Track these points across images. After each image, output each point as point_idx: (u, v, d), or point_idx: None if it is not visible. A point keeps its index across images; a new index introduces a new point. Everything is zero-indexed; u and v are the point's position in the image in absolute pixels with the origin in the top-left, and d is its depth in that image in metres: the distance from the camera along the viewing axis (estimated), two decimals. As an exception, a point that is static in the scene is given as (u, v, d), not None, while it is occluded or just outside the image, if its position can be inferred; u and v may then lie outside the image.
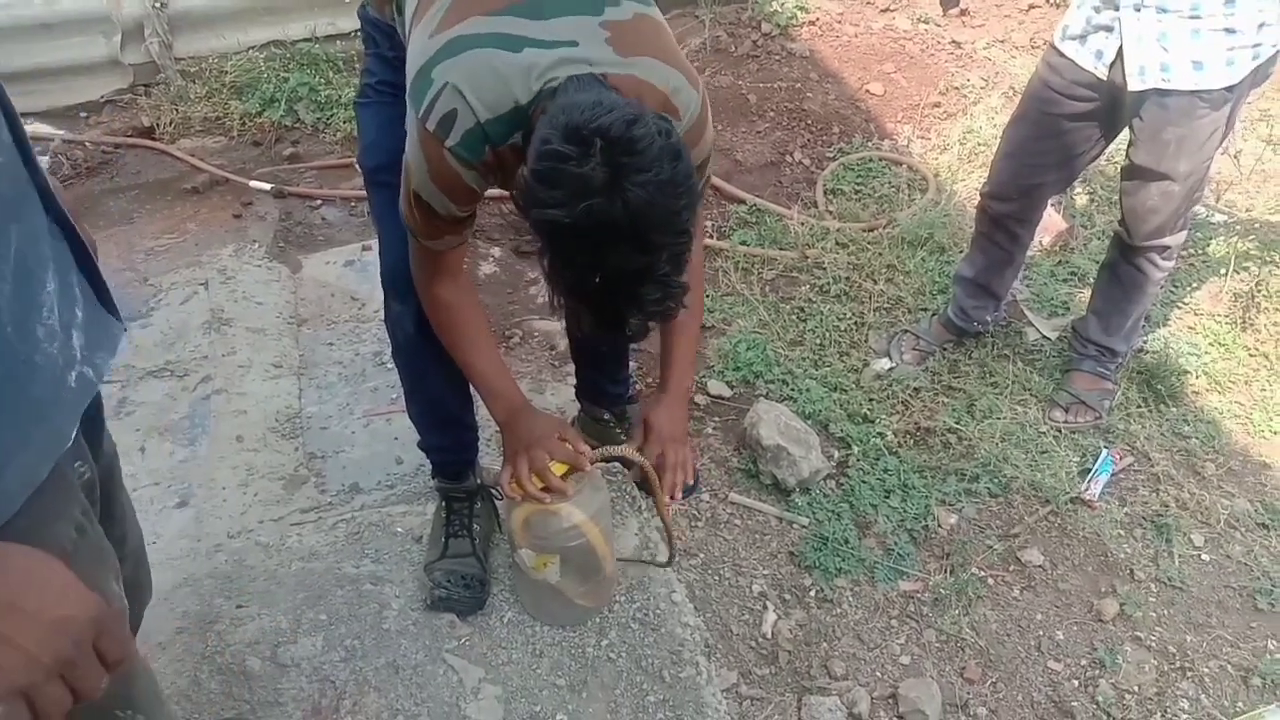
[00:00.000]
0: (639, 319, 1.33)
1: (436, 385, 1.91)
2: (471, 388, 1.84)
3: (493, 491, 2.15)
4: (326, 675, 1.90)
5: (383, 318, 1.95)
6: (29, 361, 0.88)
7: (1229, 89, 2.06)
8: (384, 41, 1.71)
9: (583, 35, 1.38)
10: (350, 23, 3.86)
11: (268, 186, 3.33)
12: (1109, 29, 2.10)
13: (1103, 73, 2.15)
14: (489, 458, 2.26)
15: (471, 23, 1.38)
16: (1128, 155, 2.25)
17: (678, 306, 1.33)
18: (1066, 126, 2.28)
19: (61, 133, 3.56)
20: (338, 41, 3.84)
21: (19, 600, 0.77)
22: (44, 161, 3.40)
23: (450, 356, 1.72)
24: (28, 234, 0.91)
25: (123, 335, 1.09)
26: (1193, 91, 2.06)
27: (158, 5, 3.58)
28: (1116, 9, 2.07)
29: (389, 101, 1.71)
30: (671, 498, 1.81)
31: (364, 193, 2.86)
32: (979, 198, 2.56)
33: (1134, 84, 2.09)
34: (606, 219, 1.19)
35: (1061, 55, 2.22)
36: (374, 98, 1.76)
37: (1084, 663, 2.07)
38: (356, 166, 2.06)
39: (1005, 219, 2.49)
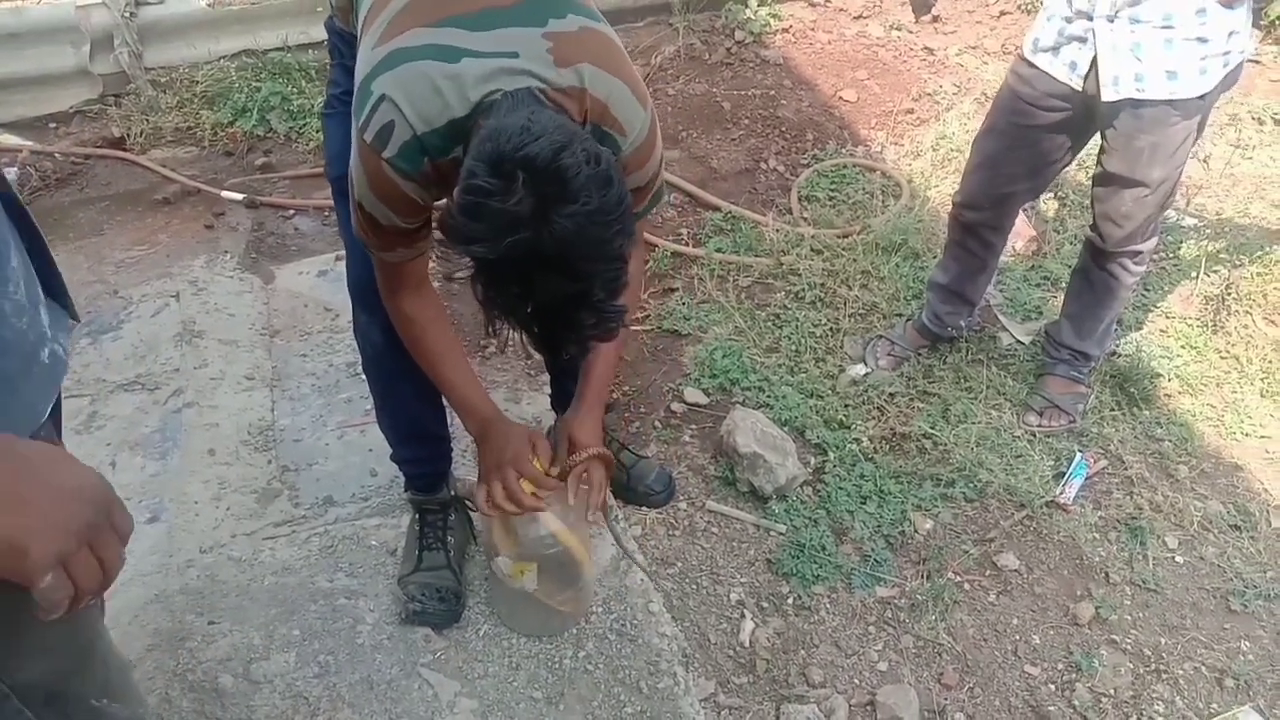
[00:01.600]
0: (575, 343, 1.32)
1: (407, 397, 1.90)
2: (444, 398, 1.83)
3: (467, 503, 2.13)
4: (300, 691, 1.88)
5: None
6: None
7: (1201, 97, 2.07)
8: (348, 52, 1.70)
9: (523, 46, 1.36)
10: (322, 31, 3.82)
11: (240, 197, 3.30)
12: (1082, 40, 2.11)
13: (1076, 83, 2.15)
14: (464, 468, 2.24)
15: (412, 34, 1.37)
16: (1100, 163, 2.27)
17: (616, 328, 1.31)
18: (1038, 137, 2.28)
19: (30, 144, 3.52)
20: (310, 50, 3.82)
21: (37, 471, 0.78)
22: (12, 173, 3.36)
23: (421, 368, 1.70)
24: None
25: (69, 324, 1.07)
26: (1167, 101, 2.07)
27: (127, 15, 3.54)
28: (1090, 20, 2.07)
29: None
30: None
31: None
32: (951, 206, 2.57)
33: (1108, 94, 2.09)
34: (534, 251, 1.17)
35: (1033, 66, 2.21)
36: (339, 108, 1.76)
37: (1060, 666, 2.08)
38: (326, 175, 2.07)
39: (978, 227, 2.50)
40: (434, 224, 1.54)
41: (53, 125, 3.66)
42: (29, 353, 0.92)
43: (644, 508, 2.32)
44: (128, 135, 3.57)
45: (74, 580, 0.79)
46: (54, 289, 1.05)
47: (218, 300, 2.88)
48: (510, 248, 1.17)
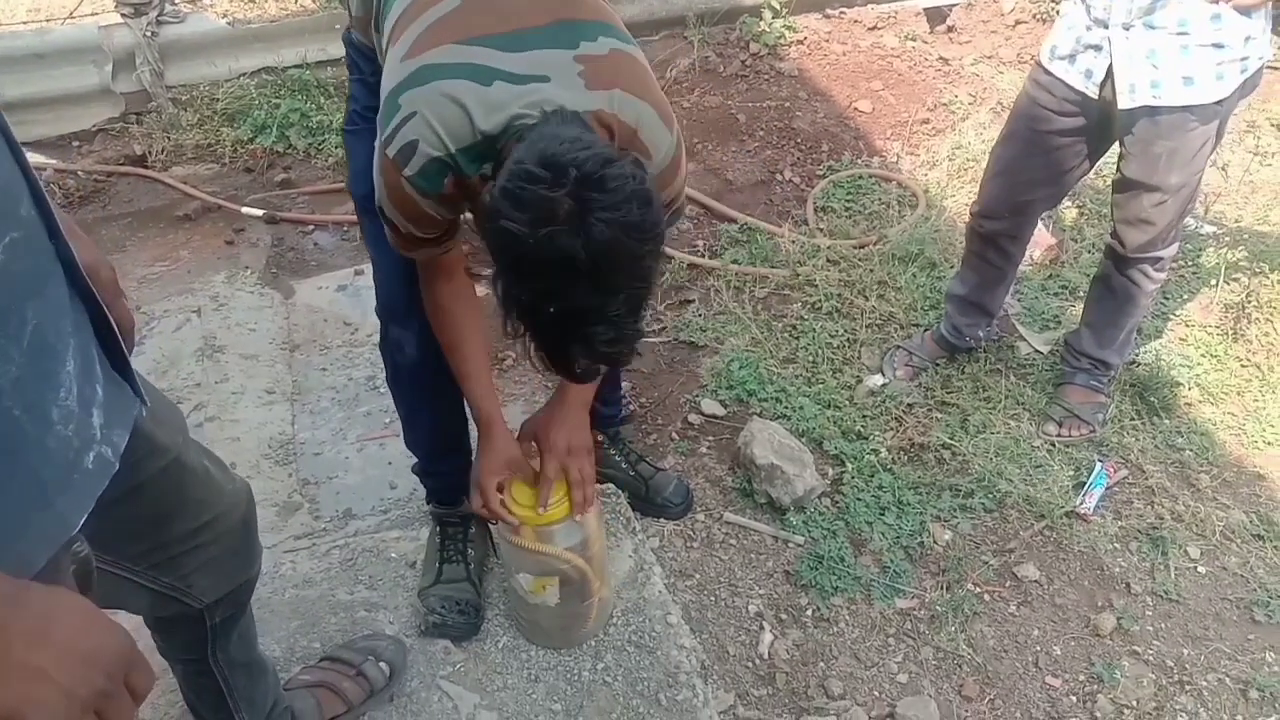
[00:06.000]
0: (587, 360, 1.31)
1: (437, 410, 1.91)
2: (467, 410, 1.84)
3: (486, 515, 2.14)
4: (321, 704, 1.89)
5: (376, 342, 1.94)
6: (40, 445, 0.84)
7: (1219, 103, 2.07)
8: (367, 67, 1.72)
9: (555, 70, 1.37)
10: (341, 48, 3.87)
11: (260, 213, 3.34)
12: (1098, 48, 2.11)
13: (1092, 91, 2.16)
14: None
15: (443, 50, 1.38)
16: (1119, 169, 2.26)
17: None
18: (1056, 144, 2.28)
19: (54, 162, 3.57)
20: (329, 67, 3.86)
21: (49, 633, 0.75)
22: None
23: (451, 380, 1.72)
24: (48, 310, 0.86)
25: (137, 408, 1.02)
26: (1183, 107, 2.07)
27: (149, 34, 3.59)
28: (1106, 27, 2.08)
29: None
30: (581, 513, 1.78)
31: (356, 218, 2.83)
32: (969, 217, 2.56)
33: (1124, 102, 2.09)
34: (566, 251, 1.17)
35: (1050, 74, 2.22)
36: (360, 124, 1.77)
37: (1082, 678, 2.07)
38: (349, 192, 2.08)
39: (997, 237, 2.50)
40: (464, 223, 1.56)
41: (76, 144, 3.71)
42: (71, 461, 0.87)
43: (661, 519, 2.33)
44: (149, 153, 3.61)
45: None
46: (121, 369, 1.00)
47: (238, 315, 2.91)
48: (545, 239, 1.17)
